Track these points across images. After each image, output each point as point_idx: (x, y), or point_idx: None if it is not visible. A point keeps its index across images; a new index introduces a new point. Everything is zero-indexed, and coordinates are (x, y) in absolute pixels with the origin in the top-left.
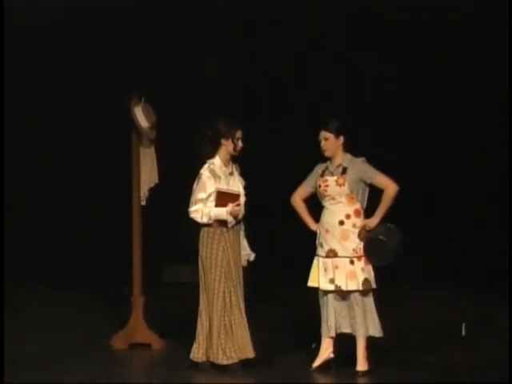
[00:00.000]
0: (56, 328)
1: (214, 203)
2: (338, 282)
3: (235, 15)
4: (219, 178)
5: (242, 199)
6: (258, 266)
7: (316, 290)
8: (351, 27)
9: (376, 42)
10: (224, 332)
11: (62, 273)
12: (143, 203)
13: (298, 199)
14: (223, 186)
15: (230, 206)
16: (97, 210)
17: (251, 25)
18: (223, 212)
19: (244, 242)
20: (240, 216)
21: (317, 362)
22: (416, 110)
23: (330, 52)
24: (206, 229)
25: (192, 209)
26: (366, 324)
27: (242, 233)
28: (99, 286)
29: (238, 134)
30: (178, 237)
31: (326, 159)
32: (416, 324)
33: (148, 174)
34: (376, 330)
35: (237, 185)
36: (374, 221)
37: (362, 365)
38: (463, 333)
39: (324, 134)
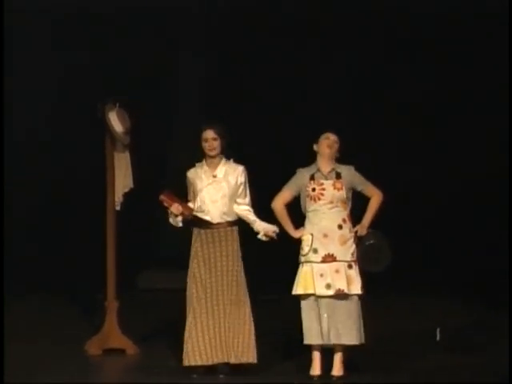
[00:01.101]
0: (28, 334)
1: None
2: (340, 286)
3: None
4: (200, 179)
5: (222, 202)
6: (260, 268)
7: (297, 298)
8: (349, 27)
9: (375, 42)
10: (195, 335)
11: (35, 277)
12: (117, 208)
13: (281, 204)
14: (202, 187)
15: (173, 206)
16: (71, 214)
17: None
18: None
19: (260, 224)
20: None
21: (317, 372)
22: (415, 110)
23: (330, 52)
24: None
25: None
26: (353, 331)
27: (252, 218)
28: (73, 291)
29: (204, 134)
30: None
31: (309, 163)
32: (409, 329)
33: (122, 179)
34: (360, 337)
35: (219, 187)
36: (365, 226)
37: (338, 370)
38: (438, 337)
39: (334, 137)
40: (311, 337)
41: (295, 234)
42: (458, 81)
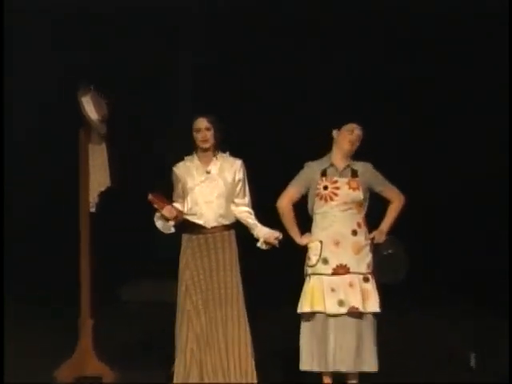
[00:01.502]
0: (28, 333)
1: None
2: (354, 303)
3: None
4: (191, 176)
5: (217, 203)
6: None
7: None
8: (350, 27)
9: (375, 42)
10: (198, 354)
11: (35, 277)
12: (92, 210)
13: (286, 203)
14: (194, 186)
15: (165, 209)
16: (42, 217)
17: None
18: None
19: (262, 229)
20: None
21: None
22: (414, 110)
23: (330, 52)
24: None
25: None
26: (367, 356)
27: (252, 222)
28: (72, 291)
29: (196, 124)
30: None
31: (318, 157)
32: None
33: (98, 176)
34: (375, 364)
35: (214, 186)
36: (383, 231)
37: None
38: (472, 364)
39: (360, 132)
40: (311, 363)
41: (301, 240)
42: (458, 81)
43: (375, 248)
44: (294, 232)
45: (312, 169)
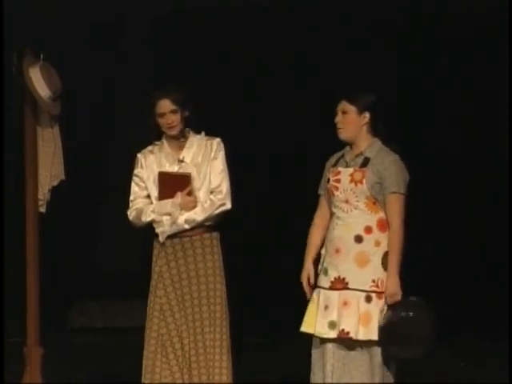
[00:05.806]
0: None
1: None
2: (344, 326)
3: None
4: (161, 166)
5: (203, 194)
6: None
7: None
8: (350, 26)
9: (375, 42)
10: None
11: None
12: (42, 210)
13: (318, 218)
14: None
15: (179, 196)
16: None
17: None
18: (166, 205)
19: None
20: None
21: None
22: (415, 110)
23: (330, 52)
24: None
25: (129, 210)
26: None
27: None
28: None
29: (158, 108)
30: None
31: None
32: None
33: (49, 167)
34: None
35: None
36: (394, 292)
37: None
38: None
39: (343, 104)
40: None
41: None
42: (457, 81)
43: (388, 306)
44: (306, 259)
45: (329, 163)
